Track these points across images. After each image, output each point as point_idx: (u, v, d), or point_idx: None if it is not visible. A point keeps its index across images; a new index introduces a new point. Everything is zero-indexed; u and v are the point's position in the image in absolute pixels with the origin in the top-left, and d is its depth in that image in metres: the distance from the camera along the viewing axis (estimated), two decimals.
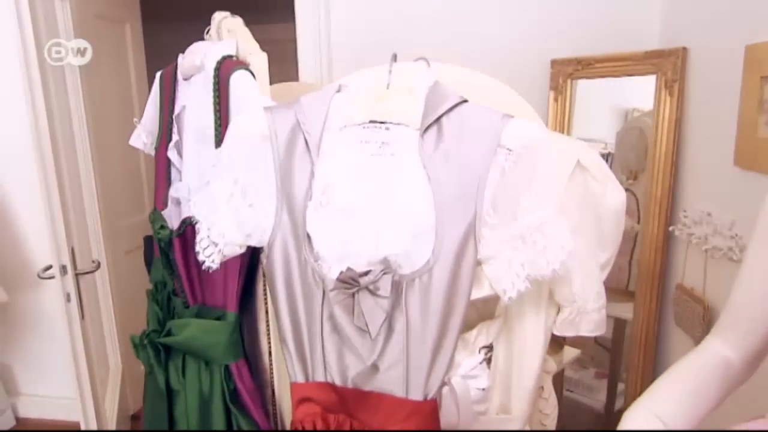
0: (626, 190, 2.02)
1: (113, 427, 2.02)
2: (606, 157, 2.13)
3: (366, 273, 0.84)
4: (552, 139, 0.92)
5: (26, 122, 1.64)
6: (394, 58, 0.93)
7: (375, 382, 0.87)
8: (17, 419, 2.69)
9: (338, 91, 0.92)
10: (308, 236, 0.88)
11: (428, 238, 0.83)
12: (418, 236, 0.83)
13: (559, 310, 0.96)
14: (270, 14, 2.21)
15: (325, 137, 0.89)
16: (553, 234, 0.82)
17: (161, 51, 2.30)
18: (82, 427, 1.78)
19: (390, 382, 0.86)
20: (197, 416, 1.12)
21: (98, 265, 1.84)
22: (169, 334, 1.16)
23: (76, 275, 1.72)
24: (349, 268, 0.83)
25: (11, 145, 2.35)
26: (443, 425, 0.92)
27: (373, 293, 0.84)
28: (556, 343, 1.83)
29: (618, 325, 2.09)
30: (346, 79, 0.96)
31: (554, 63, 2.01)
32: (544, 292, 0.94)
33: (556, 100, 2.04)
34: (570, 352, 1.87)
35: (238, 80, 0.97)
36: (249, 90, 0.96)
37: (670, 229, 1.71)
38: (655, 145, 1.75)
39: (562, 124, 2.03)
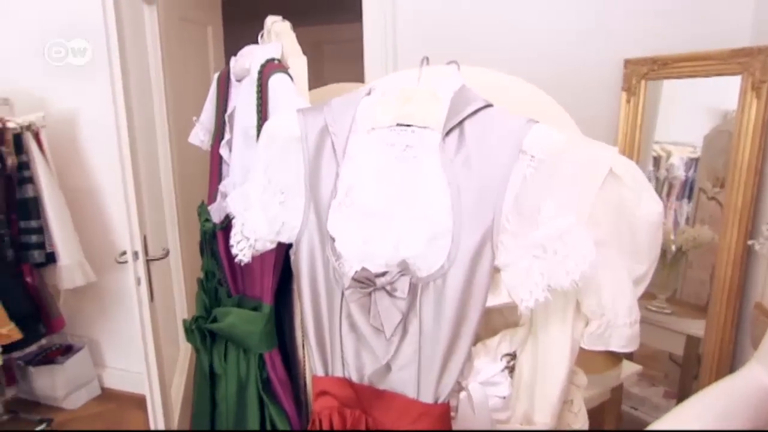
0: (711, 198, 1.91)
1: (179, 405, 2.16)
2: (692, 162, 2.01)
3: (383, 274, 0.86)
4: (582, 146, 0.90)
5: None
6: (426, 61, 0.93)
7: (389, 381, 0.88)
8: (102, 389, 2.94)
9: (368, 93, 0.94)
10: (331, 236, 0.91)
11: (444, 243, 0.83)
12: (434, 240, 0.83)
13: (588, 323, 0.93)
14: (338, 15, 2.27)
15: (352, 139, 0.91)
16: (574, 244, 0.79)
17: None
18: (148, 402, 1.92)
19: (402, 382, 0.87)
20: (235, 401, 1.19)
21: (167, 253, 1.97)
22: (214, 320, 1.24)
23: (147, 261, 1.86)
24: (364, 268, 0.85)
25: (103, 143, 2.58)
26: (458, 429, 0.93)
27: (390, 294, 0.86)
28: (615, 357, 1.76)
29: (691, 342, 1.97)
30: (377, 82, 0.98)
31: (628, 63, 1.92)
32: (570, 303, 0.91)
33: (628, 101, 1.95)
34: (629, 367, 1.79)
35: (275, 83, 1.01)
36: (285, 92, 1.00)
37: (750, 243, 1.59)
38: (738, 150, 1.64)
39: (634, 126, 1.94)
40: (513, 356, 0.95)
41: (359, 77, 2.28)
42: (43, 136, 2.61)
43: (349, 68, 2.51)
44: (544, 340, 0.95)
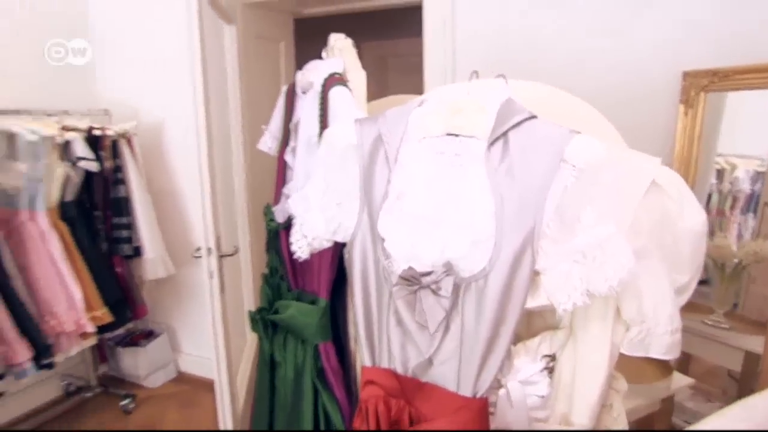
0: None
1: (243, 390, 2.25)
2: (758, 175, 1.92)
3: (428, 273, 0.88)
4: (624, 156, 0.88)
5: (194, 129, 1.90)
6: (475, 75, 0.95)
7: (431, 375, 0.90)
8: (178, 372, 3.10)
9: (420, 105, 0.97)
10: (382, 237, 0.94)
11: (487, 246, 0.84)
12: (477, 243, 0.85)
13: (628, 329, 0.92)
14: (401, 30, 2.31)
15: (403, 147, 0.94)
16: (613, 252, 0.79)
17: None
18: (216, 386, 2.02)
19: (443, 375, 0.89)
20: (291, 387, 1.24)
21: (237, 250, 2.07)
22: (276, 312, 1.29)
23: (220, 257, 1.96)
24: (410, 267, 0.88)
25: (185, 150, 2.74)
26: (497, 426, 0.93)
27: (434, 292, 0.88)
28: (665, 368, 1.69)
29: (749, 359, 1.87)
30: (429, 94, 1.00)
31: (686, 75, 1.85)
32: (611, 309, 0.90)
33: (686, 114, 1.88)
34: (680, 379, 1.72)
35: (335, 95, 1.06)
36: (344, 103, 1.05)
37: None
38: None
39: (692, 138, 1.87)
40: (552, 358, 0.95)
41: (420, 89, 2.31)
42: (134, 143, 2.80)
43: (411, 80, 2.54)
44: (584, 343, 0.94)
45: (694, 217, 0.87)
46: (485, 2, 2.16)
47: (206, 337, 2.17)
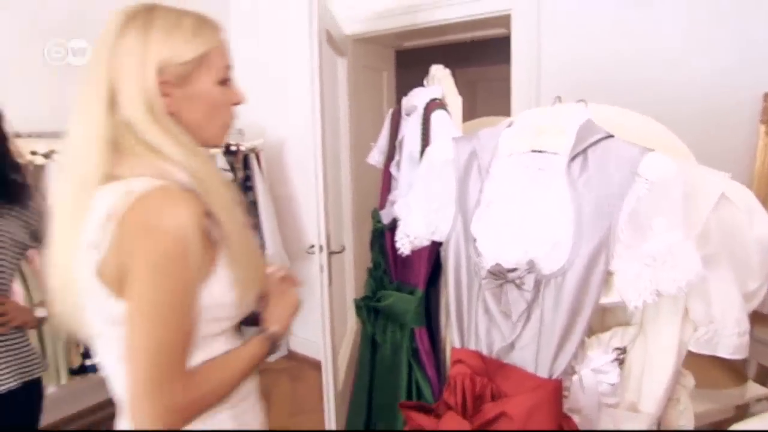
0: None
1: (343, 369, 2.38)
2: None
3: (513, 270, 0.94)
4: (695, 172, 0.89)
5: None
6: (558, 99, 1.00)
7: (512, 357, 0.95)
8: (288, 350, 3.32)
9: (509, 126, 1.03)
10: (474, 238, 1.01)
11: (565, 248, 0.88)
12: (557, 245, 0.90)
13: (696, 329, 0.92)
14: (491, 58, 2.36)
15: (494, 163, 1.01)
16: (681, 256, 0.80)
17: (408, 92, 2.65)
18: (323, 365, 2.16)
19: (523, 358, 0.94)
20: (389, 365, 1.33)
21: (344, 248, 2.21)
22: (378, 300, 1.39)
23: (329, 254, 2.10)
24: (498, 264, 0.94)
25: (302, 163, 2.96)
26: (570, 408, 0.96)
27: (518, 287, 0.93)
28: (739, 376, 1.61)
29: None
30: (517, 116, 1.06)
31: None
32: (679, 308, 0.91)
33: (767, 133, 1.78)
34: (755, 389, 1.61)
35: (436, 117, 1.15)
36: (443, 125, 1.13)
37: None
38: None
39: None
40: (623, 351, 0.96)
41: (506, 112, 2.34)
42: (261, 157, 3.06)
43: (499, 103, 2.58)
44: (654, 340, 0.95)
45: (762, 228, 0.86)
46: (569, 31, 2.16)
47: (313, 323, 2.32)
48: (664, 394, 0.95)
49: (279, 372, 3.01)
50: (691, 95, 1.89)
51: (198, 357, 0.75)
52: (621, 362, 0.97)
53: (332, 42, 2.22)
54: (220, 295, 0.75)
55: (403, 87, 3.18)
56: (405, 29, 2.55)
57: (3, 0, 2.31)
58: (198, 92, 0.79)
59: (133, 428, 0.70)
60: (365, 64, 2.73)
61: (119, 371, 0.73)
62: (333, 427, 2.07)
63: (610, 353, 0.96)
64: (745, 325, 0.89)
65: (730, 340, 0.89)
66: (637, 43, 2.00)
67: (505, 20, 2.34)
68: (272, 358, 3.14)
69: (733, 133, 1.83)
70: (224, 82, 0.82)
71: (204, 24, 0.81)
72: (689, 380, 1.00)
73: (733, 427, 0.80)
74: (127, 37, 0.75)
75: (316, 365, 2.15)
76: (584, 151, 0.89)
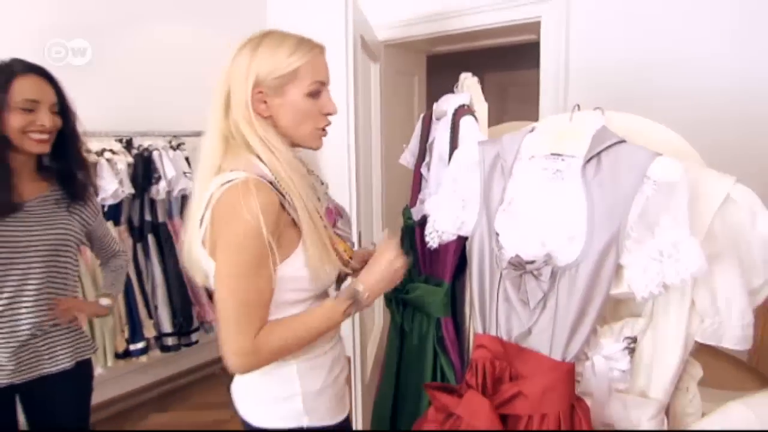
0: None
1: (370, 364, 2.50)
2: None
3: (532, 262, 1.04)
4: (703, 174, 0.98)
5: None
6: (577, 107, 1.10)
7: (529, 342, 1.05)
8: None
9: (531, 131, 1.13)
10: (496, 232, 1.11)
11: (579, 242, 0.98)
12: (572, 239, 0.99)
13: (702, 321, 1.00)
14: (522, 62, 2.45)
15: (516, 165, 1.11)
16: (685, 251, 0.89)
17: (438, 97, 2.76)
18: (352, 360, 2.28)
19: (539, 343, 1.03)
20: (416, 352, 1.44)
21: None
22: (407, 292, 1.51)
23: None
24: (517, 255, 1.04)
25: (335, 164, 3.08)
26: (582, 391, 1.05)
27: (536, 277, 1.03)
28: (761, 380, 1.65)
29: None
30: (538, 122, 1.16)
31: None
32: (686, 301, 0.99)
33: None
34: None
35: (464, 122, 1.25)
36: (470, 130, 1.24)
37: None
38: None
39: None
40: (633, 340, 1.05)
41: (536, 116, 2.43)
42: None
43: (528, 107, 2.67)
44: (663, 330, 1.03)
45: (764, 228, 0.93)
46: (598, 38, 2.24)
47: (349, 318, 2.45)
48: (671, 382, 1.04)
49: None
50: (724, 101, 1.94)
51: (277, 317, 0.96)
52: (632, 351, 1.05)
53: (366, 48, 2.34)
54: (296, 270, 0.96)
55: (435, 91, 3.30)
56: (436, 35, 2.66)
57: (3, 0, 2.37)
58: (289, 102, 0.99)
59: None
60: (397, 69, 2.85)
61: None
62: (359, 417, 2.19)
63: (621, 342, 1.05)
64: (749, 317, 0.96)
65: (734, 332, 0.97)
66: (666, 50, 2.06)
67: (535, 26, 2.43)
68: None
69: None
70: (314, 94, 1.01)
71: (300, 45, 1.00)
72: (698, 370, 1.08)
73: (695, 426, 0.88)
74: (241, 53, 0.99)
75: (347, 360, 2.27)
76: (598, 154, 0.99)
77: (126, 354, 2.52)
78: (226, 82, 0.98)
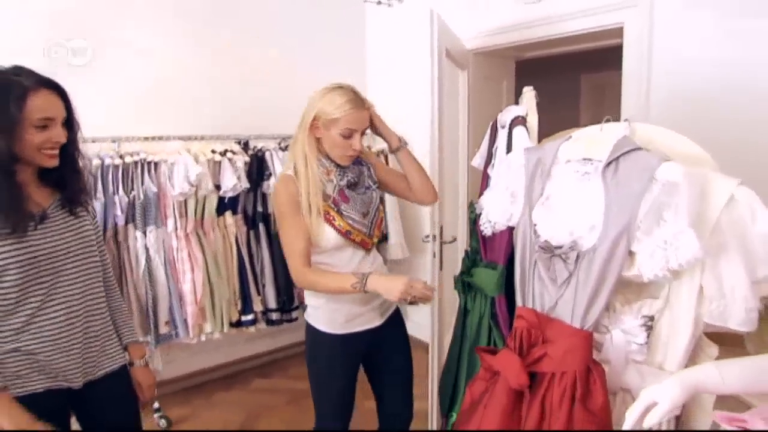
0: None
1: (447, 343, 2.80)
2: None
3: (560, 246, 1.30)
4: (712, 178, 1.18)
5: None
6: (608, 119, 1.34)
7: (556, 312, 1.31)
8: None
9: (567, 139, 1.39)
10: (534, 223, 1.39)
11: (597, 231, 1.23)
12: (592, 228, 1.24)
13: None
14: (618, 63, 2.60)
15: (554, 168, 1.38)
16: (683, 240, 1.11)
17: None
18: (430, 343, 2.60)
19: (563, 313, 1.29)
20: (476, 326, 1.74)
21: (454, 239, 2.63)
22: (471, 275, 1.80)
23: (441, 243, 2.55)
24: (546, 240, 1.31)
25: (422, 160, 3.42)
26: (602, 359, 1.30)
27: (564, 260, 1.30)
28: None
29: None
30: (576, 132, 1.41)
31: None
32: (696, 286, 1.19)
33: None
34: None
35: (516, 132, 1.54)
36: (521, 138, 1.52)
37: None
38: None
39: None
40: (651, 318, 1.27)
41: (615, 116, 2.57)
42: (389, 158, 3.60)
43: (602, 110, 2.80)
44: (677, 312, 1.24)
45: (763, 224, 1.12)
46: (680, 44, 2.35)
47: (426, 307, 2.77)
48: (683, 357, 1.24)
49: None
50: None
51: (317, 258, 1.64)
52: (649, 328, 1.28)
53: (452, 57, 2.66)
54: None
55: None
56: (521, 43, 2.90)
57: (3, 0, 2.52)
58: (329, 135, 1.60)
59: None
60: (486, 75, 3.12)
61: None
62: (435, 393, 2.50)
63: (639, 319, 1.27)
64: (753, 302, 1.15)
65: (738, 314, 1.17)
66: (750, 56, 2.14)
67: (620, 31, 2.58)
68: None
69: None
70: (347, 135, 1.59)
71: (349, 103, 1.58)
72: (713, 350, 1.27)
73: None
74: (320, 92, 1.61)
75: (426, 348, 2.58)
76: (617, 159, 1.23)
77: (238, 324, 3.07)
78: (304, 110, 1.62)
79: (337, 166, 1.65)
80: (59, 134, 1.28)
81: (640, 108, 2.48)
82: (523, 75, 3.58)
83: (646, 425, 0.98)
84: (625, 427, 1.01)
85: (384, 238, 3.53)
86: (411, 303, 1.50)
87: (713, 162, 1.25)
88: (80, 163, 1.42)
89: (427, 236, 2.59)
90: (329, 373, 1.75)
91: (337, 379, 1.75)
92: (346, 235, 1.62)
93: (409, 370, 1.90)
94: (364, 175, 1.74)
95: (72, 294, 1.37)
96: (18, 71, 1.24)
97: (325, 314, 1.71)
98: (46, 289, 1.32)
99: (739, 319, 1.16)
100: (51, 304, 1.33)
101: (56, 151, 1.30)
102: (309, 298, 1.75)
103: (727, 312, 1.18)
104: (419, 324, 3.70)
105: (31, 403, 1.28)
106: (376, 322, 1.77)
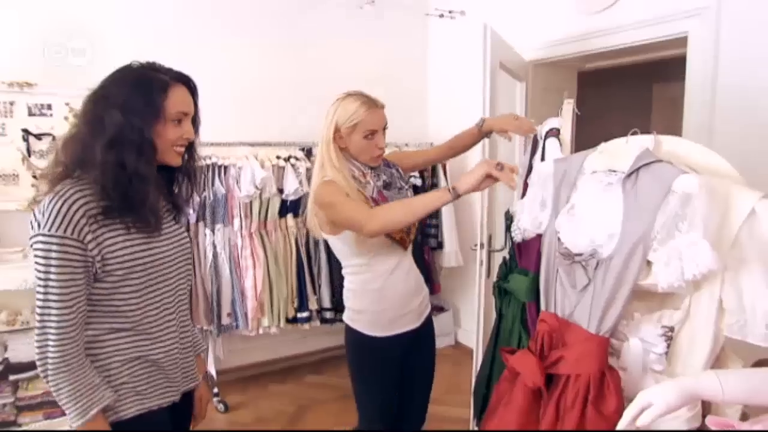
0: None
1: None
2: None
3: (580, 254, 1.37)
4: (733, 191, 1.20)
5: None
6: (634, 132, 1.39)
7: (574, 317, 1.37)
8: (455, 341, 3.90)
9: (594, 151, 1.45)
10: (557, 231, 1.46)
11: (615, 240, 1.29)
12: (611, 237, 1.30)
13: None
14: (674, 74, 2.56)
15: (579, 178, 1.44)
16: (698, 251, 1.15)
17: (590, 112, 2.97)
18: (474, 351, 2.68)
19: (580, 318, 1.35)
20: (509, 330, 1.81)
21: (502, 248, 2.70)
22: (507, 282, 1.88)
23: (489, 251, 2.62)
24: (565, 247, 1.38)
25: None
26: (620, 365, 1.34)
27: (584, 267, 1.36)
28: None
29: None
30: (603, 144, 1.47)
31: None
32: (715, 299, 1.22)
33: None
34: None
35: (548, 143, 1.61)
36: (553, 149, 1.59)
37: None
38: None
39: None
40: (671, 329, 1.30)
41: (677, 127, 2.54)
42: (447, 167, 3.71)
43: (666, 121, 2.76)
44: (697, 324, 1.27)
45: None
46: (750, 56, 2.29)
47: (475, 316, 2.85)
48: (703, 369, 1.26)
49: (444, 357, 3.60)
50: None
51: (355, 261, 1.80)
52: (668, 338, 1.31)
53: (507, 69, 2.74)
54: None
55: (588, 105, 3.50)
56: (581, 54, 2.92)
57: (3, 0, 2.60)
58: (352, 141, 1.73)
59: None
60: (544, 86, 3.16)
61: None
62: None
63: (659, 329, 1.31)
64: None
65: (758, 330, 1.18)
66: None
67: (685, 41, 2.55)
68: (440, 345, 3.76)
69: None
70: (369, 136, 1.71)
71: (363, 105, 1.70)
72: (737, 364, 1.28)
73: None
74: (333, 105, 1.75)
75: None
76: (637, 170, 1.29)
77: (294, 320, 3.29)
78: (323, 127, 1.74)
79: (370, 168, 1.78)
80: (190, 131, 1.27)
81: (704, 119, 2.44)
82: (588, 85, 3.58)
83: (638, 424, 1.03)
84: (619, 427, 1.06)
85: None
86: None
87: (739, 177, 1.27)
88: (195, 170, 1.39)
89: (476, 244, 2.68)
90: (375, 375, 1.85)
91: (383, 381, 1.85)
92: (388, 233, 1.72)
93: (433, 373, 2.02)
94: (395, 177, 1.87)
95: (175, 301, 1.34)
96: (154, 66, 1.23)
97: (370, 317, 1.80)
98: (160, 296, 1.28)
99: (759, 334, 1.18)
100: (166, 311, 1.30)
101: (183, 149, 1.28)
102: (351, 302, 1.84)
103: (747, 327, 1.19)
104: (469, 332, 3.77)
105: (146, 422, 1.25)
106: (416, 323, 1.89)
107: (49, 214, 1.10)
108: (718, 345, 1.26)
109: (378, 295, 1.78)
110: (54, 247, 1.10)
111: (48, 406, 2.69)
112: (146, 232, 1.22)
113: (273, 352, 3.54)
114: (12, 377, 2.64)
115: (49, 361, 1.14)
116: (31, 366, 2.63)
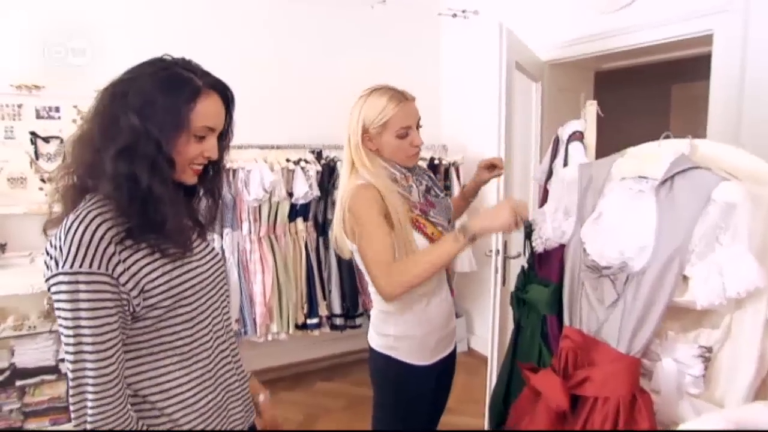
0: None
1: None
2: None
3: (609, 267, 1.26)
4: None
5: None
6: (667, 135, 1.28)
7: (601, 334, 1.26)
8: (468, 348, 3.78)
9: (622, 156, 1.34)
10: (583, 241, 1.35)
11: (648, 252, 1.18)
12: (642, 249, 1.19)
13: None
14: (694, 74, 2.44)
15: (606, 185, 1.33)
16: (741, 266, 1.04)
17: (608, 112, 2.86)
18: (489, 361, 2.57)
19: (608, 337, 1.24)
20: (528, 344, 1.70)
21: (519, 255, 2.58)
22: (526, 292, 1.77)
23: (504, 258, 2.51)
24: (593, 260, 1.27)
25: None
26: (652, 388, 1.23)
27: (612, 281, 1.25)
28: None
29: None
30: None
31: None
32: (760, 318, 1.10)
33: None
34: None
35: (572, 147, 1.50)
36: (577, 153, 1.48)
37: None
38: None
39: None
40: (709, 350, 1.19)
41: (701, 129, 2.41)
42: (460, 171, 3.61)
43: (689, 121, 2.63)
44: (739, 345, 1.15)
45: None
46: None
47: (490, 323, 2.74)
48: (746, 395, 1.15)
49: (457, 364, 3.49)
50: None
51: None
52: (706, 359, 1.19)
53: (523, 70, 2.62)
54: None
55: (606, 106, 3.37)
56: (598, 54, 2.80)
57: (3, 0, 2.56)
58: (384, 141, 1.52)
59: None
60: (561, 86, 3.05)
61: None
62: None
63: (695, 349, 1.20)
64: None
65: None
66: None
67: (708, 39, 2.42)
68: None
69: None
70: (403, 135, 1.51)
71: (392, 100, 1.48)
72: None
73: (681, 426, 0.98)
74: (357, 103, 1.54)
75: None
76: (672, 177, 1.17)
77: (303, 326, 3.19)
78: (351, 124, 1.53)
79: (409, 170, 1.60)
80: (213, 148, 1.07)
81: (730, 121, 2.32)
82: (605, 85, 3.46)
83: None
84: None
85: None
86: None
87: None
88: (220, 188, 1.22)
89: (491, 250, 2.57)
90: (413, 408, 1.63)
91: (419, 415, 1.65)
92: (432, 241, 1.54)
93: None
94: (434, 181, 1.72)
95: (224, 327, 1.18)
96: (188, 65, 1.04)
97: (414, 343, 1.58)
98: (209, 324, 1.11)
99: None
100: (218, 340, 1.14)
101: (201, 168, 1.09)
102: (390, 327, 1.57)
103: None
104: (482, 339, 3.65)
105: None
106: (451, 346, 1.77)
107: (70, 246, 0.90)
108: (764, 368, 1.14)
109: (423, 317, 1.57)
110: (82, 287, 0.90)
111: (54, 412, 2.63)
112: (178, 254, 1.03)
113: (282, 358, 3.45)
114: (18, 383, 2.59)
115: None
116: (37, 371, 2.60)
